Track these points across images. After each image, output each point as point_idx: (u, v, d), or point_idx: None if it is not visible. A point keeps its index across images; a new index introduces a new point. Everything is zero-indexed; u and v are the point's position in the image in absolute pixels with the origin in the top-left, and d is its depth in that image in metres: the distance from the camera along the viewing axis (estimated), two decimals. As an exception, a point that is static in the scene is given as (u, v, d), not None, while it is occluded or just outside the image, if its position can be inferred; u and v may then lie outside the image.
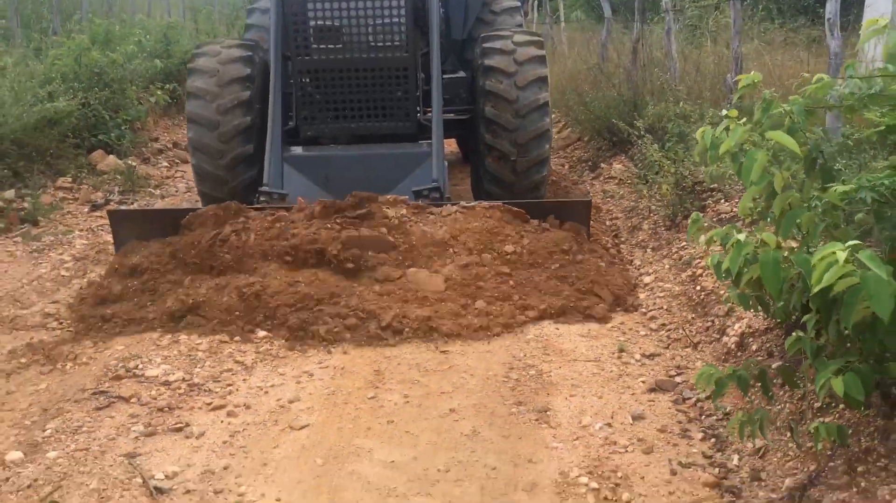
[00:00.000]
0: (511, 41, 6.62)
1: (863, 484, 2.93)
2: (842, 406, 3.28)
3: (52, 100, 9.01)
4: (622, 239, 6.61)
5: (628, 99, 8.80)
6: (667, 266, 5.73)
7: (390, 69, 6.41)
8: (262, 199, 5.87)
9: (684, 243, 5.74)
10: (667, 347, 4.63)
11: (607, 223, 7.02)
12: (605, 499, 3.19)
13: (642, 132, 7.25)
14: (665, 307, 5.13)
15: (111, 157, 9.56)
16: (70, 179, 8.66)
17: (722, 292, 4.79)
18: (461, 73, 7.64)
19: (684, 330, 4.76)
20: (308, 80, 6.48)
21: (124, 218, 5.83)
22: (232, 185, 6.40)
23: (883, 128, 3.41)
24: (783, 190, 3.16)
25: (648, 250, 6.17)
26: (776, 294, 2.83)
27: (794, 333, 3.09)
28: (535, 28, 18.71)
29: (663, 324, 4.90)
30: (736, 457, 3.47)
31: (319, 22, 6.32)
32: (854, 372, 2.77)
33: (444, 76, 7.03)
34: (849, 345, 2.92)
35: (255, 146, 6.43)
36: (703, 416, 3.86)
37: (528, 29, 8.50)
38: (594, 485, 3.28)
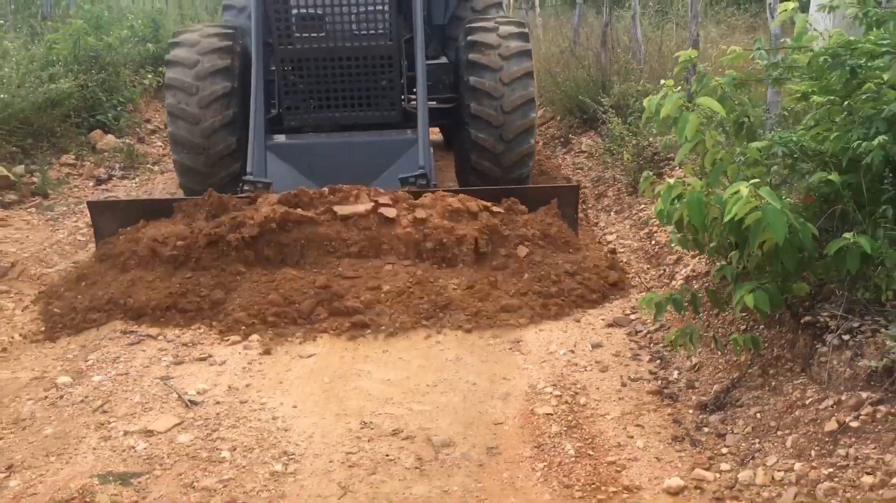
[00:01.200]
0: (496, 34, 6.52)
1: (773, 383, 3.63)
2: (762, 327, 3.95)
3: (53, 81, 9.52)
4: (589, 205, 7.27)
5: (597, 79, 9.45)
6: (627, 226, 6.40)
7: (374, 57, 6.29)
8: (245, 188, 5.73)
9: (643, 206, 6.41)
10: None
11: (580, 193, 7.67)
12: (566, 402, 3.86)
13: (608, 109, 7.91)
14: (625, 260, 5.79)
15: (109, 136, 10.06)
16: (73, 157, 9.17)
17: (681, 253, 5.47)
18: (443, 59, 7.59)
19: (640, 277, 5.42)
20: (291, 68, 6.37)
21: (106, 209, 5.69)
22: (215, 181, 6.23)
23: (799, 94, 4.08)
24: (713, 146, 3.82)
25: (612, 213, 6.84)
26: (700, 226, 3.50)
27: (718, 263, 3.77)
28: (511, 13, 19.30)
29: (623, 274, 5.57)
30: (676, 372, 4.15)
31: (301, 10, 6.19)
32: (763, 290, 3.44)
33: (427, 62, 6.84)
34: (760, 269, 3.59)
35: (237, 139, 6.31)
36: (652, 345, 4.53)
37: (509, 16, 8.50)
38: (557, 393, 3.95)
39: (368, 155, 6.22)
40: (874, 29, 3.38)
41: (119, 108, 10.61)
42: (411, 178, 5.77)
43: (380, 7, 6.22)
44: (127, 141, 10.04)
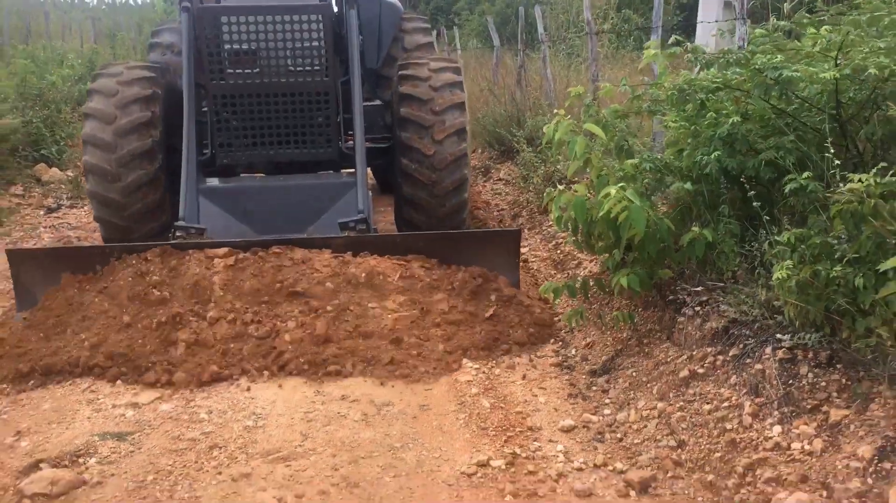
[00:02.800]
0: (428, 68, 6.56)
1: (646, 350, 4.54)
2: (639, 308, 4.88)
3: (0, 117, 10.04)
4: (505, 223, 8.19)
5: (512, 114, 10.49)
6: (538, 240, 7.34)
7: (310, 94, 6.23)
8: (178, 234, 5.50)
9: (551, 223, 7.33)
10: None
11: (495, 213, 8.59)
12: (483, 373, 4.67)
13: (522, 140, 8.91)
14: (535, 268, 6.70)
15: (54, 169, 10.60)
16: (21, 188, 9.68)
17: (577, 254, 6.40)
18: (377, 102, 7.54)
19: (548, 281, 6.33)
20: (223, 105, 6.20)
21: (27, 257, 5.30)
22: (130, 212, 6.09)
23: (665, 122, 5.07)
24: (598, 163, 4.76)
25: (525, 230, 7.77)
26: (584, 224, 4.41)
27: (601, 256, 4.69)
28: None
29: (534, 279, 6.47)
30: (574, 350, 5.02)
31: (234, 45, 6.05)
32: (635, 274, 4.37)
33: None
34: (633, 260, 4.52)
35: (155, 170, 6.12)
36: (555, 332, 5.41)
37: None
38: (476, 366, 4.75)
39: (305, 198, 6.06)
40: (707, 69, 4.38)
41: (62, 143, 11.14)
42: (351, 222, 5.62)
43: (315, 43, 6.14)
44: (70, 174, 10.57)
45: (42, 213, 9.02)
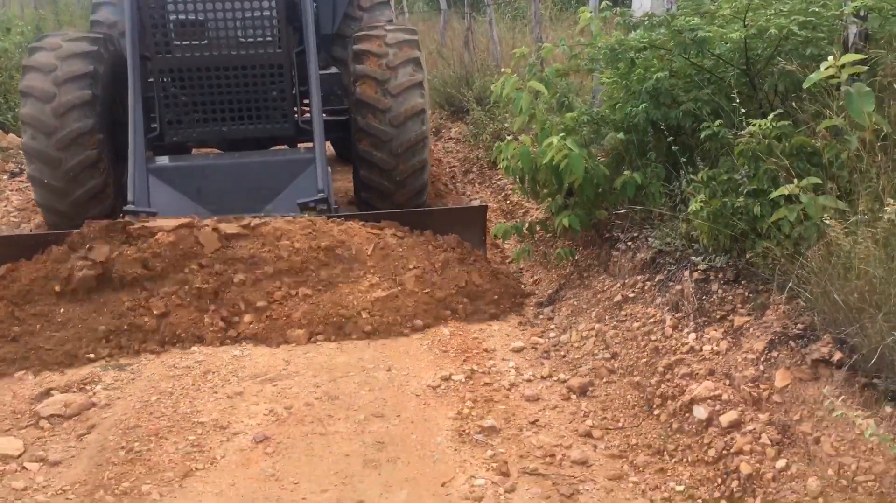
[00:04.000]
0: (384, 42, 6.17)
1: (586, 282, 5.13)
2: (580, 247, 5.45)
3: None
4: (458, 179, 8.70)
5: (461, 76, 10.93)
6: (488, 192, 7.87)
7: (262, 66, 5.91)
8: (126, 218, 5.15)
9: (500, 176, 7.88)
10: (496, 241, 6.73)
11: (447, 170, 9.09)
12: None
13: (471, 100, 9.39)
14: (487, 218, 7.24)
15: (11, 135, 10.72)
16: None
17: (524, 203, 6.95)
18: (333, 70, 7.28)
19: (498, 228, 6.88)
20: (171, 80, 5.90)
21: None
22: (73, 198, 5.81)
23: (601, 79, 5.61)
24: (540, 116, 5.28)
25: (476, 184, 8.30)
26: (529, 171, 4.95)
27: (545, 202, 5.25)
28: (383, 18, 20.63)
29: (484, 227, 7.00)
30: (524, 286, 5.58)
31: (181, 16, 5.75)
32: (575, 215, 4.94)
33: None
34: (575, 203, 5.08)
35: (98, 152, 5.82)
36: (511, 270, 5.97)
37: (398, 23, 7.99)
38: (436, 302, 5.29)
39: (262, 176, 5.79)
40: (633, 31, 4.92)
41: (16, 109, 11.23)
42: (311, 202, 5.45)
43: (266, 13, 5.82)
44: (29, 139, 10.71)
45: (6, 177, 9.22)
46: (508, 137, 5.13)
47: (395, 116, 5.94)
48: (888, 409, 2.67)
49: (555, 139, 4.61)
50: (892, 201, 2.92)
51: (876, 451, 2.63)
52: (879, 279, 2.80)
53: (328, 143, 8.39)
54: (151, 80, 5.99)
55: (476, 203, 7.05)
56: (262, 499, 3.20)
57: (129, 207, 5.34)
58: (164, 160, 5.88)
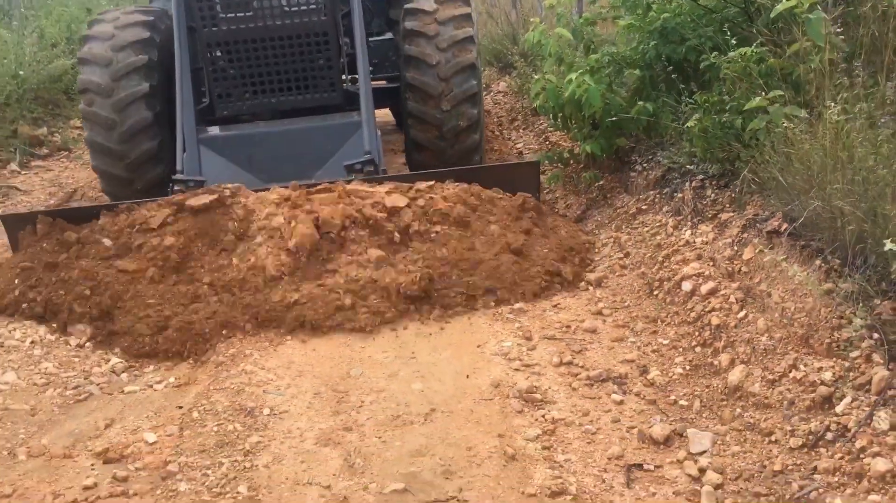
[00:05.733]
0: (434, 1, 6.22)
1: (609, 201, 5.90)
2: (604, 173, 6.20)
3: (52, 62, 11.32)
4: (504, 126, 9.49)
5: (508, 33, 11.65)
6: (531, 136, 8.65)
7: (308, 35, 5.89)
8: (176, 188, 5.29)
9: (542, 122, 8.63)
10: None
11: (495, 119, 9.88)
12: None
13: (517, 56, 10.12)
14: (527, 154, 8.03)
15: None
16: (79, 122, 11.03)
17: (562, 143, 7.70)
18: (388, 35, 7.18)
19: (538, 165, 7.67)
20: (219, 53, 5.94)
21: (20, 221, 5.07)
22: (130, 161, 5.89)
23: (623, 26, 6.31)
24: (567, 58, 6.02)
25: (521, 130, 9.07)
26: (557, 106, 5.71)
27: (572, 131, 6.02)
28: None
29: (526, 165, 7.78)
30: (562, 205, 6.34)
31: None
32: (597, 142, 5.70)
33: (371, 39, 6.58)
34: (598, 133, 5.84)
35: (154, 115, 5.90)
36: (546, 194, 6.73)
37: None
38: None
39: (311, 142, 5.83)
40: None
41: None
42: (357, 164, 5.41)
43: None
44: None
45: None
46: (536, 77, 5.90)
47: (445, 70, 5.92)
48: (818, 262, 3.41)
49: (574, 75, 5.36)
50: (832, 104, 3.63)
51: (808, 294, 3.38)
52: (816, 165, 3.52)
53: (388, 111, 8.73)
54: (201, 55, 6.05)
55: (529, 159, 6.96)
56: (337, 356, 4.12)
57: (178, 176, 5.41)
58: (214, 130, 5.97)
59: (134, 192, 5.82)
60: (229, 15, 5.83)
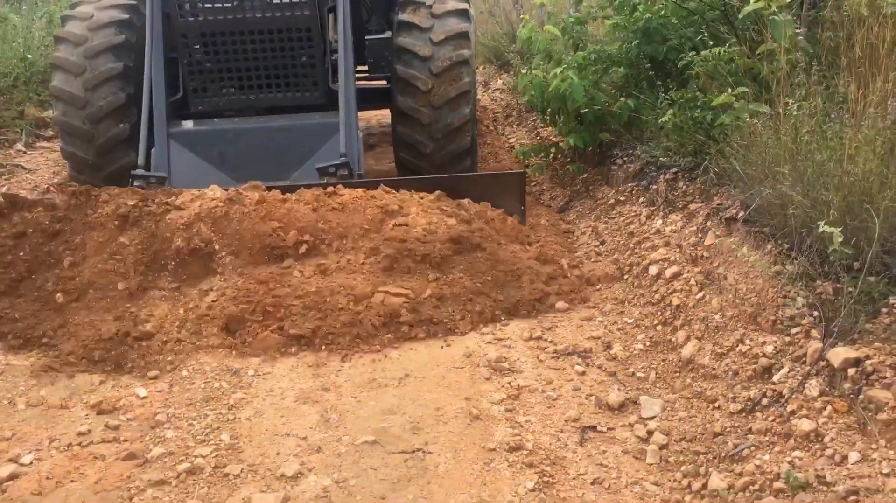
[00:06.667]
0: None
1: (591, 193, 6.14)
2: (588, 166, 6.44)
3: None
4: (499, 122, 9.73)
5: (507, 32, 11.89)
6: (524, 131, 8.89)
7: (291, 30, 5.55)
8: (136, 184, 4.99)
9: (535, 117, 8.87)
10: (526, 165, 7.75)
11: (490, 115, 10.12)
12: (471, 214, 6.30)
13: (514, 54, 10.36)
14: (517, 147, 8.27)
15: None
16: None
17: (553, 138, 7.95)
18: (388, 34, 6.61)
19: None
20: (196, 45, 5.60)
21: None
22: (99, 144, 5.68)
23: (610, 25, 6.56)
24: (556, 55, 6.27)
25: (514, 126, 9.32)
26: (542, 99, 5.95)
27: (558, 125, 6.27)
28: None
29: (517, 159, 8.04)
30: (547, 197, 6.59)
31: None
32: (580, 135, 5.95)
33: (369, 38, 6.41)
34: (580, 126, 6.08)
35: (126, 97, 5.68)
36: (533, 185, 6.98)
37: None
38: (466, 211, 6.38)
39: (288, 141, 5.52)
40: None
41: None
42: (331, 167, 5.10)
43: None
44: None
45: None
46: (523, 71, 6.15)
47: (436, 65, 5.69)
48: (769, 247, 3.65)
49: (558, 69, 5.61)
50: (790, 101, 3.87)
51: (758, 276, 3.62)
52: (769, 156, 3.77)
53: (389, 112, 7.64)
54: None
55: (514, 170, 6.39)
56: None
57: (138, 171, 5.09)
58: (188, 124, 5.66)
59: (102, 179, 5.54)
60: (207, 5, 5.51)
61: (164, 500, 2.90)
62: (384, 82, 6.36)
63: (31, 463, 3.19)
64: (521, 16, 6.36)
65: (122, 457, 3.18)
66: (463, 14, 5.99)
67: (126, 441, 3.32)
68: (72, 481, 3.06)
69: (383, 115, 7.99)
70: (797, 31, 4.31)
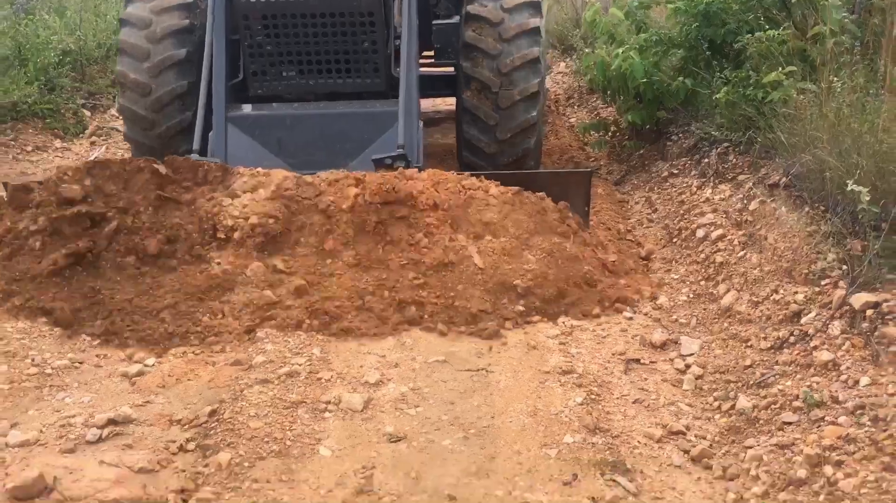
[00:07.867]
0: None
1: (646, 167, 6.53)
2: (644, 142, 6.81)
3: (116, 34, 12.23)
4: (560, 103, 10.12)
5: (572, 17, 12.24)
6: (584, 112, 9.27)
7: (353, 14, 5.35)
8: None
9: (596, 99, 9.24)
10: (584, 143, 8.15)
11: (552, 97, 10.51)
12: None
13: (578, 38, 10.73)
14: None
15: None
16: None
17: (612, 118, 8.32)
18: (456, 19, 6.42)
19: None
20: (256, 27, 5.43)
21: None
22: (162, 131, 5.67)
23: (672, 9, 6.90)
24: (619, 37, 6.65)
25: (576, 107, 9.70)
26: (602, 79, 6.34)
27: (616, 103, 6.66)
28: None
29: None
30: (604, 170, 6.99)
31: None
32: (638, 112, 6.33)
33: (436, 22, 6.28)
34: (639, 104, 6.46)
35: (190, 84, 5.61)
36: (591, 161, 7.38)
37: None
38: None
39: (348, 129, 5.38)
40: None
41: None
42: (387, 159, 4.92)
43: None
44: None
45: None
46: (587, 50, 6.54)
47: (506, 63, 5.56)
48: (806, 209, 4.02)
49: (620, 50, 5.99)
50: (835, 79, 4.22)
51: (795, 235, 4.00)
52: (812, 128, 4.13)
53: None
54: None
55: (581, 169, 6.36)
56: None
57: (194, 156, 4.97)
58: (246, 108, 5.55)
59: None
60: None
61: (268, 394, 3.44)
62: (451, 69, 6.27)
63: (154, 365, 3.77)
64: (587, 0, 6.71)
65: (229, 363, 3.73)
66: (535, 7, 5.83)
67: (232, 351, 3.87)
68: (189, 380, 3.62)
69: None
70: (846, 15, 4.63)
